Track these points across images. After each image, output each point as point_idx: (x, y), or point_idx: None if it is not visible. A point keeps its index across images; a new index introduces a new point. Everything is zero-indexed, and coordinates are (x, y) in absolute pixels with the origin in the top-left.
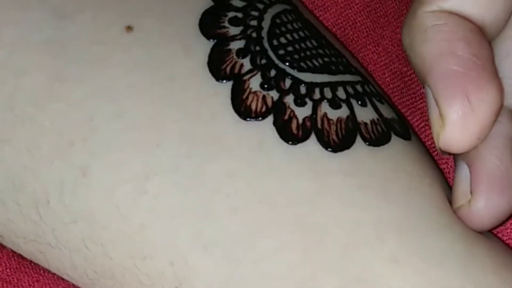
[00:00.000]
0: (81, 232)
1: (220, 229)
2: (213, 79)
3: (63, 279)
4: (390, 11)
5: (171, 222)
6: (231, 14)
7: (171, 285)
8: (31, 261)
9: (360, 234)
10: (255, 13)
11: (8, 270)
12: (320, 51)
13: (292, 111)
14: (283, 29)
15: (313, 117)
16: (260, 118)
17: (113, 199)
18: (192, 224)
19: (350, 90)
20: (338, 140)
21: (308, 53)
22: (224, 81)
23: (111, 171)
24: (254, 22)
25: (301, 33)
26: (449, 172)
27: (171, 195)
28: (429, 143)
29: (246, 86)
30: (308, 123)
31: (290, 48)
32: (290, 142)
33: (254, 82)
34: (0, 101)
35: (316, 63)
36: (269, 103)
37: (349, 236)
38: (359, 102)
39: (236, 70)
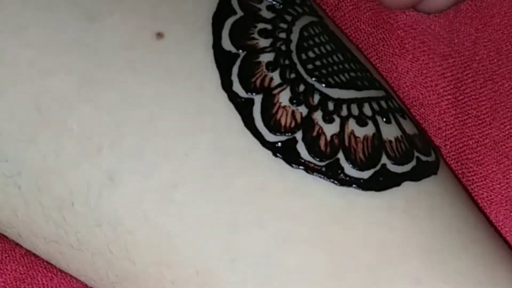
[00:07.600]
0: (105, 236)
1: (248, 242)
2: (244, 91)
3: (77, 278)
4: None
5: (199, 232)
6: (260, 26)
7: None
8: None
9: (385, 254)
10: (284, 25)
11: (21, 267)
12: (346, 65)
13: (321, 127)
14: (311, 42)
15: (340, 134)
16: (289, 134)
17: (140, 206)
18: (219, 235)
19: (375, 106)
20: (364, 158)
21: (335, 67)
22: (254, 94)
23: (138, 178)
24: (283, 35)
25: (327, 47)
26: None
27: (199, 205)
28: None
29: (276, 100)
30: (336, 141)
31: (318, 63)
32: (318, 159)
33: (284, 97)
34: (26, 101)
35: (343, 78)
36: (298, 118)
37: (374, 256)
38: (384, 119)
39: (266, 84)
